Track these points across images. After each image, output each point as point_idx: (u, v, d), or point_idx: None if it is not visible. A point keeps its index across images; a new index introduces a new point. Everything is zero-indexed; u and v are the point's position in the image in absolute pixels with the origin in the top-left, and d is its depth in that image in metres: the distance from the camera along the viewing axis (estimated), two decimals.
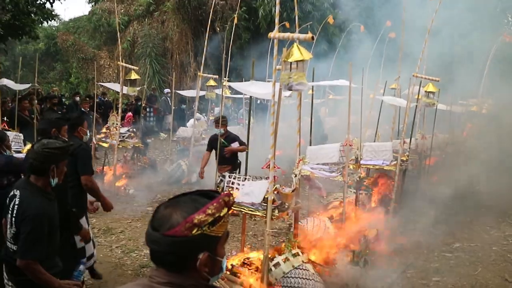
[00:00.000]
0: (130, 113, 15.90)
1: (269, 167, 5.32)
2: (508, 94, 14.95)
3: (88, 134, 6.30)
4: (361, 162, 8.73)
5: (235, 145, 9.36)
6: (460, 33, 14.39)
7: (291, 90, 4.78)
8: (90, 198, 5.68)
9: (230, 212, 1.78)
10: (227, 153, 9.23)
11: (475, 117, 15.64)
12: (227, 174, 6.50)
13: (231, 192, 6.00)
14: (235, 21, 13.48)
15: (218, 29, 21.69)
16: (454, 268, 7.17)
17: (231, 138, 9.49)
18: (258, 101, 18.10)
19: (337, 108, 16.60)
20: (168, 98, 19.84)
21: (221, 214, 1.71)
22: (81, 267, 4.42)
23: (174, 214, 1.68)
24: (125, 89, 11.31)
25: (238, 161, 9.56)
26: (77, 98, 16.43)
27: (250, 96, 7.77)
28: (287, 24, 14.67)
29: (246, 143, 8.51)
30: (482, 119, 15.61)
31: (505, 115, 14.65)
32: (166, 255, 1.68)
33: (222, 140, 9.26)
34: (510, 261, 7.61)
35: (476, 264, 7.39)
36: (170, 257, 1.68)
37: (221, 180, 8.85)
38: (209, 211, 1.68)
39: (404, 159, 9.40)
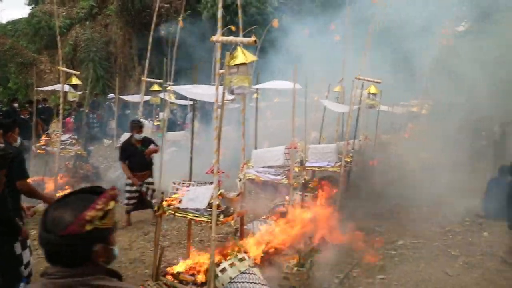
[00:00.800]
0: (68, 118, 15.44)
1: (213, 172, 5.27)
2: (447, 95, 15.52)
3: (19, 140, 6.07)
4: (306, 164, 8.82)
5: (152, 147, 9.15)
6: (402, 35, 14.77)
7: (233, 94, 4.76)
8: (27, 203, 5.46)
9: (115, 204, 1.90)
10: (148, 155, 9.04)
11: (416, 117, 16.13)
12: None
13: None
14: (181, 24, 13.33)
15: (162, 32, 21.38)
16: (399, 265, 7.34)
17: (147, 141, 9.22)
18: (205, 106, 17.98)
19: (283, 111, 16.72)
20: (112, 104, 19.43)
21: (109, 208, 1.84)
22: (22, 284, 4.27)
23: (65, 215, 1.77)
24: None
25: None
26: (15, 105, 15.83)
27: (194, 101, 7.68)
28: (233, 28, 14.65)
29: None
30: (423, 119, 16.15)
31: (445, 115, 15.19)
32: (64, 253, 1.78)
33: (139, 146, 9.00)
34: (450, 256, 7.88)
35: (419, 260, 7.60)
36: (67, 254, 1.79)
37: (147, 188, 8.72)
38: (98, 207, 1.80)
39: (348, 160, 9.56)
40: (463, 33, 25.46)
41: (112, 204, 1.86)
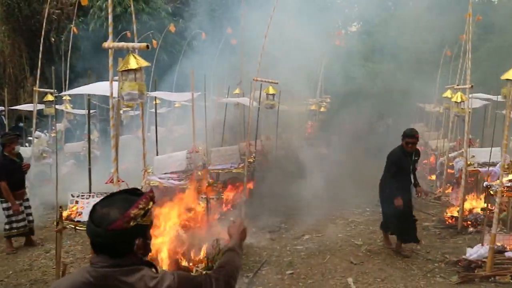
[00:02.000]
0: None
1: (113, 182, 5.14)
2: (343, 93, 16.20)
3: None
4: (210, 167, 8.84)
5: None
6: (297, 37, 15.20)
7: (123, 100, 4.66)
8: None
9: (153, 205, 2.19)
10: (26, 169, 8.38)
11: (315, 115, 16.68)
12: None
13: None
14: (74, 30, 12.85)
15: (53, 39, 20.42)
16: (306, 259, 7.54)
17: (20, 154, 8.45)
18: (105, 115, 17.42)
19: (185, 115, 16.65)
20: (3, 117, 18.24)
21: (149, 207, 2.14)
22: None
23: (111, 212, 2.05)
24: None
25: None
26: None
27: (89, 109, 7.40)
28: (129, 34, 14.34)
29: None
30: (322, 116, 16.77)
31: (343, 112, 15.85)
32: (110, 245, 2.06)
33: (17, 160, 8.24)
34: (354, 245, 8.24)
35: (325, 252, 7.86)
36: (112, 246, 2.06)
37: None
38: (141, 206, 2.08)
39: (251, 160, 9.70)
40: (355, 33, 26.76)
41: (151, 204, 2.15)
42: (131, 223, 2.05)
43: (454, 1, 17.49)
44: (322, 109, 17.14)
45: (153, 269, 2.20)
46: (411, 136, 7.56)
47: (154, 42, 13.37)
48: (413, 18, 19.76)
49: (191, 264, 6.18)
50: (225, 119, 10.99)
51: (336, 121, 17.07)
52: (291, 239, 8.53)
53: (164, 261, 6.03)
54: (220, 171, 9.56)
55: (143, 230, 2.14)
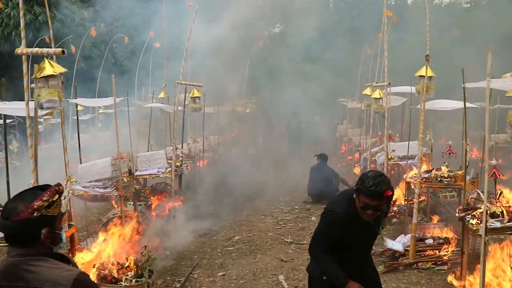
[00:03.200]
0: None
1: None
2: (268, 93, 16.38)
3: None
4: (136, 173, 8.68)
5: None
6: (221, 39, 15.22)
7: (42, 108, 4.49)
8: None
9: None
10: None
11: (241, 116, 16.78)
12: None
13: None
14: None
15: None
16: (237, 260, 7.56)
17: None
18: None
19: (110, 121, 16.26)
20: None
21: (54, 199, 2.32)
22: None
23: (18, 205, 2.25)
24: None
25: None
26: None
27: (5, 118, 7.07)
28: (47, 39, 13.80)
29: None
30: (248, 117, 16.90)
31: (268, 112, 16.03)
32: (17, 235, 2.25)
33: None
34: (284, 243, 8.35)
35: (256, 252, 7.92)
36: (21, 236, 2.25)
37: None
38: (45, 198, 2.26)
39: (179, 164, 9.62)
40: (278, 34, 27.10)
41: (56, 196, 2.33)
42: (35, 214, 2.22)
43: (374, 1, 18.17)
44: (247, 110, 17.31)
45: (68, 263, 2.39)
46: (374, 195, 3.47)
47: (73, 47, 12.98)
48: (336, 18, 20.42)
49: (120, 272, 6.03)
50: (150, 124, 10.83)
51: (263, 121, 17.29)
52: (222, 241, 8.53)
53: (92, 270, 5.86)
54: (147, 177, 9.42)
55: (49, 221, 2.32)
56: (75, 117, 9.24)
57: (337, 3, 27.44)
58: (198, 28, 9.85)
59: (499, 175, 5.00)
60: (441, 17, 18.80)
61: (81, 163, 7.80)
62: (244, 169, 11.97)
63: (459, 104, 7.02)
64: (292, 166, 13.45)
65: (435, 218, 8.33)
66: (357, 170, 13.51)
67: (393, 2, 27.34)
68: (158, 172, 9.09)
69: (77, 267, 2.55)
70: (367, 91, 12.11)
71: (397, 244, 7.22)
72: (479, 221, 4.74)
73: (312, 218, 9.90)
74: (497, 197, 5.08)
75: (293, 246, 8.16)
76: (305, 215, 10.24)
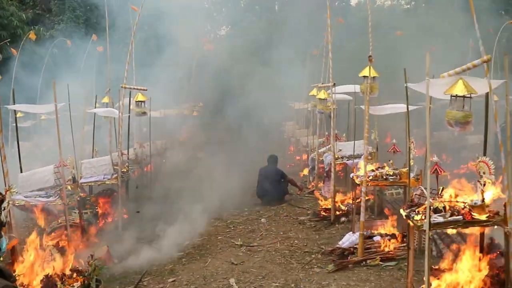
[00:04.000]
0: None
1: None
2: (213, 96, 16.33)
3: None
4: (81, 180, 8.45)
5: None
6: (167, 41, 15.07)
7: None
8: None
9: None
10: None
11: (188, 120, 16.66)
12: None
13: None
14: None
15: None
16: (187, 265, 7.46)
17: None
18: None
19: (53, 128, 15.76)
20: None
21: None
22: None
23: None
24: None
25: None
26: None
27: None
28: None
29: None
30: (195, 120, 16.80)
31: (217, 115, 15.97)
32: None
33: None
34: (234, 246, 8.31)
35: (206, 256, 7.84)
36: None
37: None
38: None
39: (125, 170, 9.44)
40: (224, 36, 27.14)
41: None
42: None
43: (320, 4, 18.41)
44: (194, 114, 17.22)
45: (3, 276, 2.42)
46: None
47: (13, 50, 12.54)
48: (282, 19, 20.61)
49: (65, 283, 5.85)
50: (94, 129, 10.57)
51: (210, 124, 17.25)
52: (172, 246, 8.39)
53: (35, 282, 5.66)
54: (92, 184, 9.18)
55: None
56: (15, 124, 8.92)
57: (283, 4, 27.71)
58: (142, 31, 9.71)
59: (441, 172, 5.15)
60: (384, 18, 19.32)
61: (21, 172, 7.51)
62: (193, 173, 11.87)
63: (402, 108, 7.19)
64: (241, 167, 13.43)
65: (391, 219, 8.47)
66: (306, 171, 13.67)
67: (336, 3, 27.89)
68: (104, 178, 8.88)
69: (15, 280, 2.45)
70: (314, 92, 12.26)
71: None
72: (423, 217, 4.85)
73: (262, 220, 9.94)
74: (439, 193, 5.22)
75: (244, 249, 8.14)
76: (255, 217, 10.26)
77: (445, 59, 8.55)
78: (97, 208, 8.96)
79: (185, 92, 17.07)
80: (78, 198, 7.23)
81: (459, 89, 4.58)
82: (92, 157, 9.87)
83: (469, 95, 4.69)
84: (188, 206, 10.38)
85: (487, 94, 5.03)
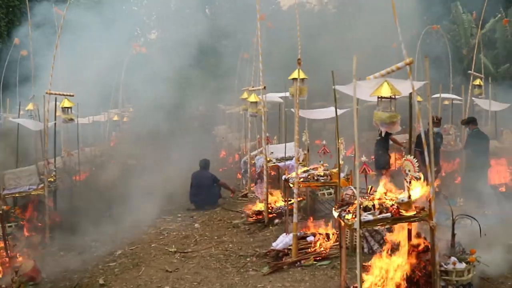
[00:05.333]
0: None
1: None
2: (145, 101, 16.05)
3: None
4: (4, 192, 8.06)
5: None
6: (94, 45, 14.69)
7: None
8: None
9: None
10: None
11: (119, 125, 16.29)
12: None
13: None
14: None
15: None
16: (120, 275, 7.26)
17: None
18: None
19: None
20: None
21: None
22: None
23: None
24: None
25: None
26: None
27: None
28: None
29: None
30: (126, 126, 16.44)
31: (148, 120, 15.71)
32: None
33: None
34: (168, 253, 8.18)
35: (139, 265, 7.66)
36: None
37: None
38: None
39: (52, 179, 9.08)
40: (155, 40, 26.78)
41: None
42: None
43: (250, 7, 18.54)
44: (125, 119, 16.86)
45: None
46: None
47: None
48: (213, 24, 20.60)
49: None
50: (18, 138, 10.09)
51: (141, 129, 16.93)
52: (103, 257, 8.14)
53: None
54: (17, 195, 8.76)
55: None
56: None
57: (213, 8, 27.71)
58: (68, 35, 9.42)
59: (369, 171, 5.30)
60: (314, 22, 19.72)
61: None
62: (124, 180, 11.60)
63: (331, 112, 7.35)
64: (173, 172, 13.27)
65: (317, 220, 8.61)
66: (239, 175, 13.71)
67: (270, 8, 28.22)
68: (29, 189, 8.50)
69: None
70: (245, 95, 12.31)
71: None
72: (353, 216, 4.96)
73: (196, 225, 9.86)
74: (369, 192, 5.37)
75: (178, 255, 8.03)
76: (188, 222, 10.16)
77: (372, 61, 8.84)
78: (22, 221, 8.54)
79: (114, 97, 16.68)
80: (1, 211, 6.86)
81: (385, 91, 4.73)
82: (16, 167, 9.41)
83: (394, 96, 4.86)
84: (120, 214, 10.15)
85: (410, 94, 5.22)
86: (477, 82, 13.81)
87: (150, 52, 20.23)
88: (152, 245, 8.68)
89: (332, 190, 9.25)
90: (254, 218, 9.73)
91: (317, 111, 8.90)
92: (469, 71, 13.90)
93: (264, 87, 9.78)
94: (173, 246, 8.53)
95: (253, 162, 11.73)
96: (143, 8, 26.84)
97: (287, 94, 9.38)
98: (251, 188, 11.96)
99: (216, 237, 8.92)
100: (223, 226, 9.66)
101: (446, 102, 15.39)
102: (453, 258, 5.57)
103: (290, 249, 7.25)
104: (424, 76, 5.25)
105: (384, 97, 4.85)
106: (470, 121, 10.29)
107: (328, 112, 8.21)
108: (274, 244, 7.63)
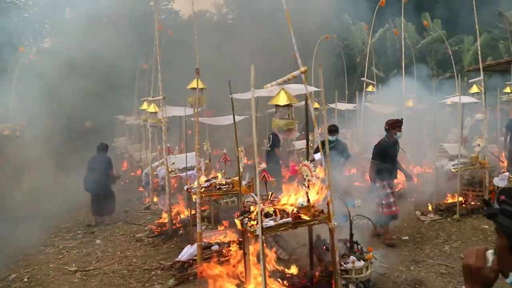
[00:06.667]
0: None
1: None
2: (39, 113, 15.28)
3: None
4: None
5: None
6: None
7: None
8: None
9: None
10: None
11: (11, 140, 15.37)
12: None
13: None
14: None
15: None
16: None
17: None
18: None
19: None
20: None
21: None
22: None
23: None
24: None
25: None
26: None
27: None
28: None
29: None
30: (19, 140, 15.51)
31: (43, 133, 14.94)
32: None
33: None
34: (68, 273, 7.73)
35: (36, 287, 7.26)
36: None
37: None
38: None
39: None
40: (48, 48, 25.60)
41: None
42: None
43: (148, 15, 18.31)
44: (17, 133, 15.88)
45: None
46: None
47: None
48: (111, 31, 20.02)
49: None
50: None
51: (35, 143, 16.07)
52: None
53: None
54: None
55: None
56: None
57: (113, 16, 27.01)
58: None
59: (269, 178, 5.40)
60: (212, 32, 19.80)
61: None
62: (17, 196, 10.94)
63: (230, 119, 7.42)
64: (70, 187, 12.72)
65: (224, 224, 8.64)
66: (141, 188, 13.44)
67: (162, 16, 27.94)
68: None
69: None
70: (145, 105, 12.10)
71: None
72: (255, 223, 5.03)
73: (97, 241, 9.51)
74: (269, 198, 5.46)
75: (79, 274, 7.68)
76: (89, 239, 9.77)
77: (271, 70, 9.05)
78: None
79: (3, 109, 15.72)
80: None
81: (281, 99, 4.85)
82: None
83: (290, 104, 5.00)
84: (13, 234, 9.56)
85: (306, 102, 5.39)
86: (370, 88, 14.58)
87: (43, 62, 19.32)
88: (51, 266, 8.22)
89: (235, 198, 9.33)
90: (158, 230, 9.57)
91: (216, 118, 8.94)
92: (362, 78, 14.64)
93: (164, 97, 9.67)
94: (74, 265, 8.14)
95: (155, 173, 11.53)
96: (35, 16, 25.63)
97: (188, 108, 9.34)
98: (154, 200, 11.76)
99: (119, 252, 8.65)
100: (126, 241, 9.39)
101: (342, 108, 16.11)
102: (352, 257, 5.83)
103: (195, 259, 7.21)
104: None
105: (281, 105, 4.97)
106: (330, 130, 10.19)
107: (227, 119, 8.26)
108: (179, 255, 7.55)
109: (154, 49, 10.87)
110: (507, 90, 14.16)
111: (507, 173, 10.08)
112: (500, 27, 22.59)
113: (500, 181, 9.19)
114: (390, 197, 7.98)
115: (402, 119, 8.20)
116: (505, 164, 12.39)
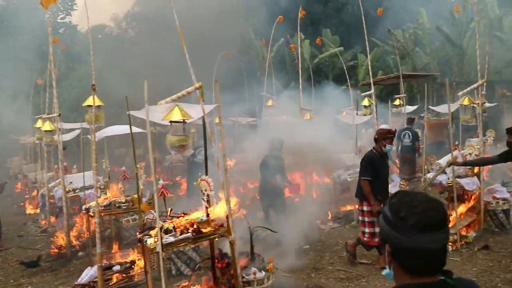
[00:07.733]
0: None
1: None
2: None
3: None
4: None
5: None
6: None
7: None
8: None
9: None
10: None
11: None
12: None
13: None
14: None
15: None
16: None
17: None
18: None
19: None
20: None
21: None
22: None
23: None
24: None
25: None
26: None
27: None
28: None
29: None
30: None
31: None
32: None
33: None
34: None
35: None
36: None
37: None
38: None
39: None
40: None
41: None
42: None
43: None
44: None
45: None
46: None
47: None
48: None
49: None
50: None
51: None
52: None
53: None
54: None
55: None
56: None
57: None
58: None
59: (167, 194, 5.35)
60: (112, 46, 19.34)
61: None
62: None
63: (126, 129, 7.29)
64: None
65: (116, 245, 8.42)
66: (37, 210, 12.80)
67: (61, 30, 26.97)
68: None
69: None
70: (39, 123, 11.57)
71: None
72: (155, 239, 4.96)
73: None
74: (168, 214, 5.42)
75: None
76: None
77: (169, 87, 9.00)
78: None
79: None
80: None
81: (175, 115, 4.87)
82: None
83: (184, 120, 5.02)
84: None
85: (204, 118, 5.44)
86: (270, 103, 14.91)
87: None
88: None
89: (136, 216, 9.14)
90: (55, 253, 9.11)
91: (105, 130, 8.73)
92: (262, 93, 14.95)
93: (59, 114, 9.32)
94: None
95: (51, 194, 11.02)
96: None
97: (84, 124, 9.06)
98: (52, 222, 11.22)
99: (12, 281, 8.11)
100: (21, 268, 8.78)
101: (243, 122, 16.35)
102: (253, 268, 5.92)
103: (96, 281, 6.95)
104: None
105: (174, 121, 4.98)
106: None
107: (122, 129, 8.10)
108: (79, 279, 7.24)
109: (49, 64, 10.46)
110: (396, 102, 15.13)
111: (398, 179, 10.76)
112: (390, 44, 24.14)
113: (392, 188, 9.74)
114: (375, 226, 7.03)
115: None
116: (397, 171, 13.17)
